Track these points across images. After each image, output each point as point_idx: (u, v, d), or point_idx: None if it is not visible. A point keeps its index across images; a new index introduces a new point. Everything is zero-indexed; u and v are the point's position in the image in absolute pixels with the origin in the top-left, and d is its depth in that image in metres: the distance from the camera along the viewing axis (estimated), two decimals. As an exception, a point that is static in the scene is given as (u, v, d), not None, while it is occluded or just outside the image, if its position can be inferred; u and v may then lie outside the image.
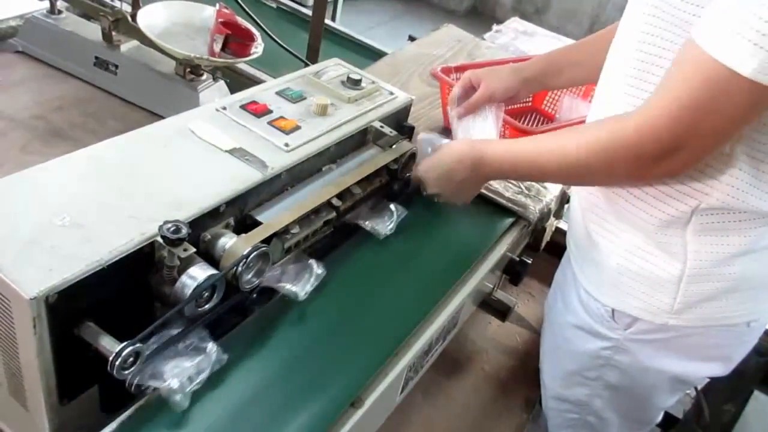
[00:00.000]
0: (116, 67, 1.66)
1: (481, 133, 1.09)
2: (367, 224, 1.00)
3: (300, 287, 0.86)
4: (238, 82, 1.76)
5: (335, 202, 0.94)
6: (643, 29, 0.73)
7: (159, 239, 0.73)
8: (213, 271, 0.75)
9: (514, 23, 2.26)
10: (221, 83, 1.64)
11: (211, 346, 0.76)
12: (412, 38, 2.14)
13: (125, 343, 0.67)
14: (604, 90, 0.84)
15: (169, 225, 0.72)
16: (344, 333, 0.84)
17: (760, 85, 0.59)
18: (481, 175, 0.92)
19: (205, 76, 1.61)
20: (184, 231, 0.72)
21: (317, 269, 0.88)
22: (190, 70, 1.58)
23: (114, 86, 1.69)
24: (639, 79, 0.74)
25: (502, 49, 1.94)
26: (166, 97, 1.61)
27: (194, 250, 0.74)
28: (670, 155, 0.68)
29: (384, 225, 1.00)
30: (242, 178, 0.85)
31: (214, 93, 1.61)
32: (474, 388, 1.33)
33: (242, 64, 1.77)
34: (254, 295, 0.84)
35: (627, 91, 0.76)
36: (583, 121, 0.92)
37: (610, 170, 0.74)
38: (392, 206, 1.01)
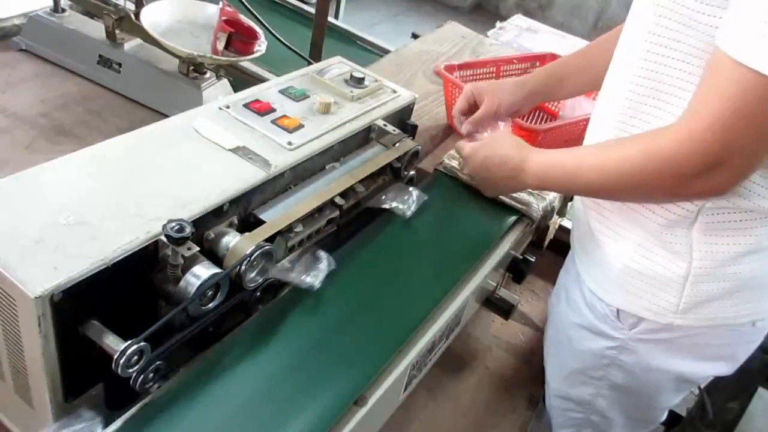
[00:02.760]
0: (120, 65, 1.67)
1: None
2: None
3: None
4: (241, 80, 1.76)
5: (338, 200, 0.95)
6: (651, 29, 0.72)
7: (163, 238, 0.73)
8: (217, 270, 0.76)
9: (518, 20, 2.25)
10: (224, 81, 1.64)
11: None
12: (415, 35, 2.13)
13: (129, 342, 0.67)
14: (609, 88, 0.83)
15: (173, 224, 0.72)
16: (347, 331, 0.84)
17: None
18: (520, 180, 0.90)
19: (208, 74, 1.62)
20: (188, 230, 0.72)
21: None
22: (194, 68, 1.59)
23: (118, 84, 1.69)
24: (647, 78, 0.74)
25: (505, 46, 1.94)
26: (169, 95, 1.61)
27: (198, 248, 0.75)
28: (711, 171, 0.64)
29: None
30: (246, 176, 0.85)
31: (217, 91, 1.62)
32: (477, 386, 1.33)
33: (245, 63, 1.77)
34: (258, 293, 0.85)
35: (634, 90, 0.76)
36: (587, 120, 0.92)
37: (650, 187, 0.71)
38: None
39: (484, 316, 1.47)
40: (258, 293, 0.85)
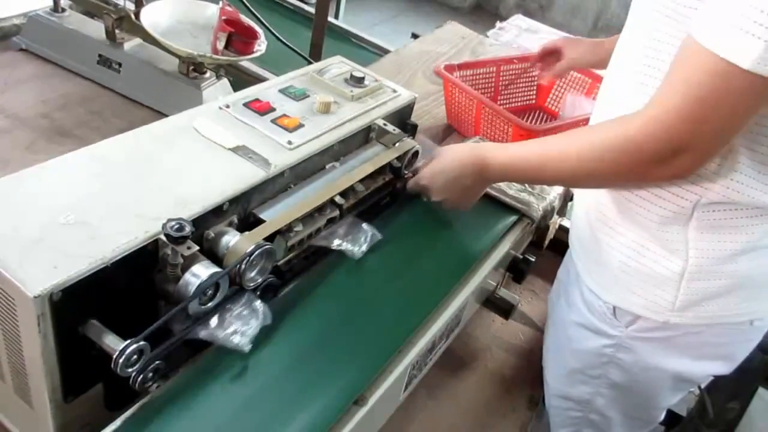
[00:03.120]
0: (120, 65, 1.66)
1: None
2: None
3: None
4: (241, 80, 1.76)
5: (338, 200, 0.94)
6: (648, 26, 0.72)
7: (162, 237, 0.73)
8: (216, 269, 0.75)
9: (518, 20, 2.25)
10: (224, 81, 1.64)
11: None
12: (415, 36, 2.13)
13: (129, 342, 0.67)
14: (609, 88, 0.83)
15: (173, 223, 0.72)
16: (348, 331, 0.84)
17: (761, 77, 0.58)
18: (485, 179, 0.92)
19: (208, 74, 1.61)
20: (188, 229, 0.72)
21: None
22: (194, 68, 1.59)
23: (118, 84, 1.69)
24: (645, 75, 0.74)
25: (505, 47, 1.94)
26: (169, 95, 1.61)
27: (197, 248, 0.75)
28: (675, 156, 0.66)
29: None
30: (245, 176, 0.85)
31: (217, 91, 1.61)
32: (478, 386, 1.32)
33: (245, 62, 1.77)
34: (258, 294, 0.85)
35: (634, 88, 0.76)
36: (587, 120, 0.92)
37: (615, 173, 0.73)
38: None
39: (484, 316, 1.47)
40: (258, 293, 0.85)
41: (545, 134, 1.20)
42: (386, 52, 2.28)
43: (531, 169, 0.84)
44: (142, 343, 0.68)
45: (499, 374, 1.38)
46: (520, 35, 2.13)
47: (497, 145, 0.91)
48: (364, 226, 0.97)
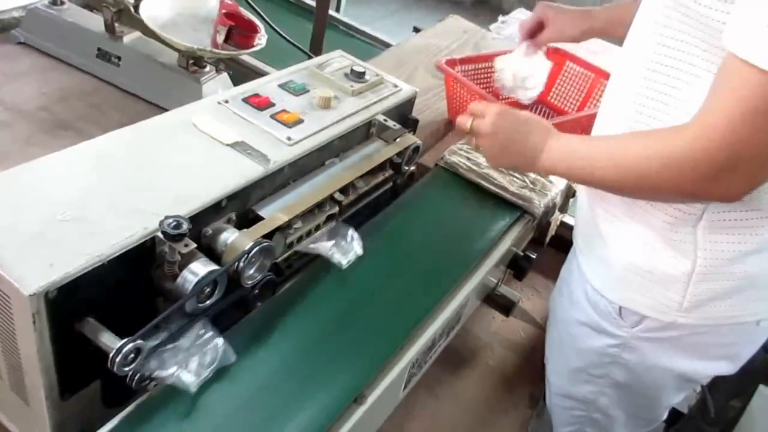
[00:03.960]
0: (119, 58, 1.65)
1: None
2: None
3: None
4: (241, 73, 1.74)
5: (338, 196, 0.94)
6: (658, 21, 0.71)
7: (160, 234, 0.72)
8: (214, 267, 0.75)
9: (520, 14, 2.23)
10: (224, 75, 1.63)
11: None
12: (417, 29, 2.12)
13: (126, 340, 0.66)
14: (618, 84, 0.82)
15: (170, 220, 0.71)
16: (347, 329, 0.84)
17: None
18: (533, 160, 0.84)
19: (208, 68, 1.60)
20: (185, 226, 0.71)
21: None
22: (193, 62, 1.57)
23: (117, 78, 1.67)
24: (655, 72, 0.72)
25: (508, 41, 1.92)
26: (169, 89, 1.59)
27: (195, 245, 0.74)
28: (724, 173, 0.63)
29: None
30: (244, 172, 0.84)
31: (217, 85, 1.60)
32: (478, 384, 1.32)
33: (246, 56, 1.75)
34: (256, 291, 0.84)
35: (642, 84, 0.74)
36: (592, 116, 0.90)
37: (664, 186, 0.68)
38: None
39: (484, 313, 1.46)
40: (257, 290, 0.84)
41: None
42: (388, 46, 2.27)
43: (579, 169, 0.78)
44: (139, 341, 0.68)
45: (499, 372, 1.37)
46: (522, 29, 2.11)
47: (557, 133, 0.85)
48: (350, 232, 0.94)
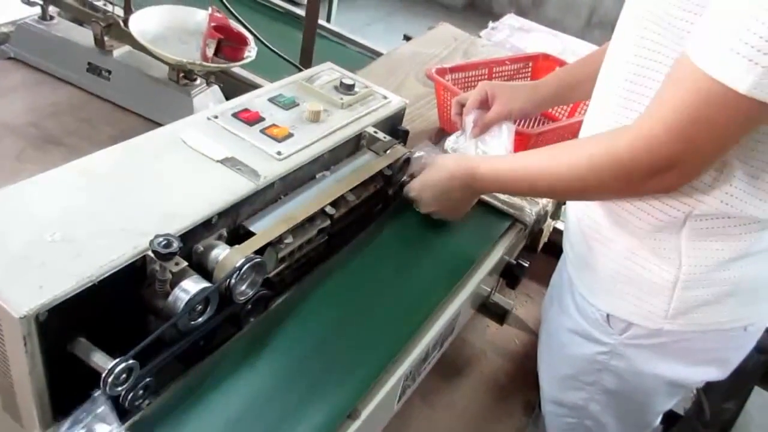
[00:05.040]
0: (109, 72, 1.65)
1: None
2: None
3: None
4: (232, 86, 1.74)
5: (329, 210, 0.94)
6: (637, 33, 0.72)
7: (150, 253, 0.72)
8: (206, 284, 0.75)
9: (510, 20, 2.24)
10: (215, 88, 1.63)
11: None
12: (407, 37, 2.12)
13: (117, 360, 0.66)
14: (599, 100, 0.83)
15: (160, 239, 0.71)
16: (339, 343, 0.84)
17: (756, 102, 0.58)
18: (474, 191, 0.93)
19: (198, 81, 1.60)
20: (175, 245, 0.71)
21: None
22: (184, 75, 1.57)
23: (107, 92, 1.67)
24: (633, 89, 0.74)
25: (498, 47, 1.93)
26: (159, 103, 1.60)
27: (186, 263, 0.74)
28: (663, 172, 0.67)
29: None
30: (234, 188, 0.84)
31: (208, 98, 1.60)
32: (473, 392, 1.32)
33: (236, 68, 1.76)
34: (249, 306, 0.84)
35: (620, 103, 0.76)
36: (580, 123, 0.91)
37: (603, 187, 0.74)
38: None
39: (478, 322, 1.46)
40: (249, 306, 0.84)
41: (539, 138, 1.22)
42: (378, 54, 2.27)
43: (518, 181, 0.85)
44: (131, 361, 0.67)
45: (494, 380, 1.37)
46: (512, 35, 2.12)
47: (486, 157, 0.91)
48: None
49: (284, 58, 1.81)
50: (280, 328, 0.84)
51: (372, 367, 0.81)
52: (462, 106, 1.14)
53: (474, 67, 1.45)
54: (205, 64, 1.51)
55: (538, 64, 1.52)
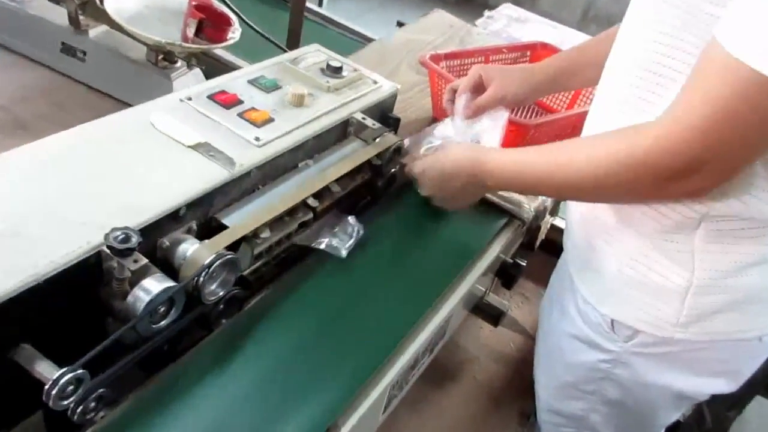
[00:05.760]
0: (84, 53, 1.57)
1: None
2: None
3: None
4: (216, 68, 1.66)
5: (312, 202, 0.86)
6: (654, 18, 0.66)
7: (106, 249, 0.64)
8: (170, 283, 0.67)
9: (507, 9, 2.18)
10: (197, 71, 1.55)
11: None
12: (400, 24, 2.05)
13: (63, 370, 0.58)
14: (607, 91, 0.77)
15: (117, 233, 0.64)
16: (319, 348, 0.77)
17: None
18: (480, 185, 0.85)
19: (179, 64, 1.52)
20: (134, 240, 0.63)
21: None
22: (163, 57, 1.49)
23: (82, 74, 1.59)
24: (651, 79, 0.68)
25: (494, 36, 1.87)
26: (137, 86, 1.51)
27: (146, 261, 0.66)
28: (692, 173, 0.60)
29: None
30: (206, 176, 0.77)
31: (189, 81, 1.52)
32: (465, 399, 1.25)
33: (220, 51, 1.68)
34: (221, 307, 0.77)
35: (636, 94, 0.70)
36: (582, 115, 0.85)
37: (625, 188, 0.67)
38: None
39: (471, 324, 1.40)
40: (221, 306, 0.77)
41: (537, 129, 1.15)
42: (371, 41, 2.20)
43: (532, 178, 0.77)
44: (80, 371, 0.60)
45: (487, 386, 1.30)
46: (509, 25, 2.06)
47: (498, 150, 0.83)
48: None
49: (269, 40, 1.73)
50: (254, 332, 0.77)
51: (355, 375, 0.74)
52: (455, 92, 1.08)
53: (470, 55, 1.39)
54: (185, 45, 1.43)
55: (537, 53, 1.46)
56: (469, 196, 0.92)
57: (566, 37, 1.98)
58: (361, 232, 0.88)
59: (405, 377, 0.84)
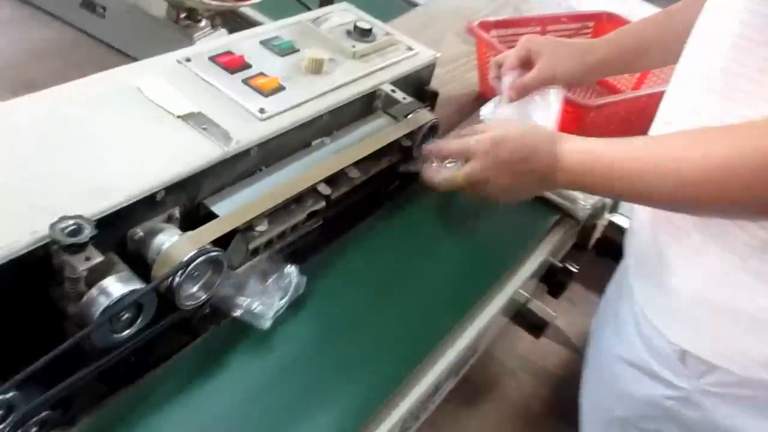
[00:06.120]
0: (104, 9, 1.47)
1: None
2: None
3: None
4: (243, 30, 1.55)
5: (323, 189, 0.73)
6: None
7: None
8: (136, 285, 0.55)
9: (568, -25, 2.01)
10: (222, 31, 1.43)
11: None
12: (450, -12, 1.90)
13: (-13, 394, 0.47)
14: (695, 63, 0.66)
15: (68, 222, 0.52)
16: (320, 366, 0.65)
17: None
18: (551, 179, 0.70)
19: (204, 23, 1.41)
20: (87, 232, 0.51)
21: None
22: (186, 15, 1.38)
23: (102, 31, 1.49)
24: (747, 51, 0.57)
25: (553, 3, 1.72)
26: (157, 45, 1.37)
27: (101, 258, 0.54)
28: None
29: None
30: (194, 154, 0.64)
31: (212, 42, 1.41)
32: (497, 421, 1.12)
33: (246, 9, 1.56)
34: (207, 311, 0.65)
35: (729, 66, 0.60)
36: (652, 96, 0.77)
37: (744, 198, 0.57)
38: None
39: (509, 332, 1.26)
40: (207, 309, 0.65)
41: (598, 111, 1.03)
42: (416, 6, 2.06)
43: (624, 178, 0.64)
44: (11, 393, 0.49)
45: (524, 407, 1.17)
46: (571, -7, 1.90)
47: (579, 138, 0.69)
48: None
49: (299, 1, 1.60)
50: (243, 341, 0.65)
51: (362, 403, 0.63)
52: (500, 67, 0.95)
53: (525, 24, 1.26)
54: (206, 2, 1.31)
55: (602, 24, 1.33)
56: (525, 191, 0.76)
57: (635, 10, 1.83)
58: (301, 290, 0.68)
59: (424, 405, 0.72)
